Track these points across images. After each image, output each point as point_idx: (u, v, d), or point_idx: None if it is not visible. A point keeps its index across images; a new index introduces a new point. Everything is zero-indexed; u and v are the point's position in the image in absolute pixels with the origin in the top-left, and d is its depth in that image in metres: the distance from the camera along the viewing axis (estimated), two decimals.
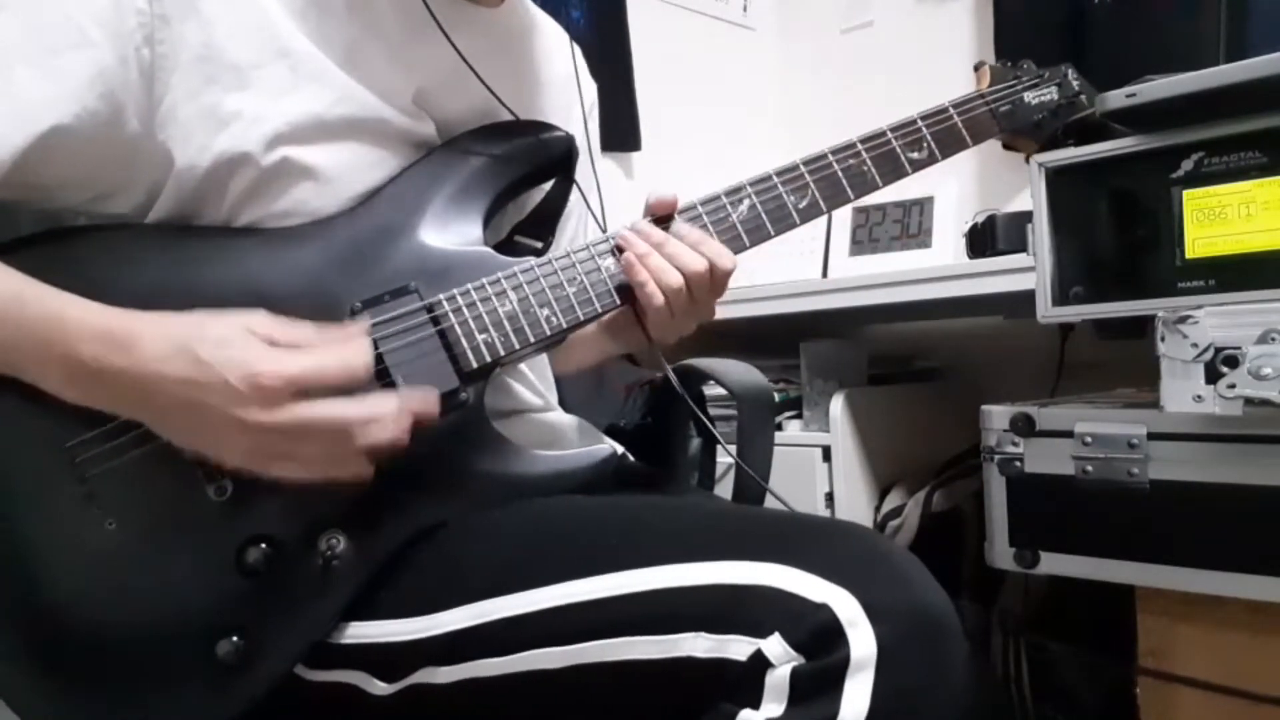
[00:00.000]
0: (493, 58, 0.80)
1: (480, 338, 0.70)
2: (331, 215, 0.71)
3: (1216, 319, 0.82)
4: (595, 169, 0.92)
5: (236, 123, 0.68)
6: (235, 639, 0.65)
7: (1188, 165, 0.87)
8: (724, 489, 1.04)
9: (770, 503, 0.87)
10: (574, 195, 0.85)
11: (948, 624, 0.56)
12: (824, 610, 0.54)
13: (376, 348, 0.67)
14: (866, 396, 1.42)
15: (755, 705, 0.55)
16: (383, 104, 0.73)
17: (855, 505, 1.37)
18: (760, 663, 0.55)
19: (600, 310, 0.74)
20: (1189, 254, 0.87)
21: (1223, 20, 1.38)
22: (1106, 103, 0.88)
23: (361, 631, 0.67)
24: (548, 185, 0.83)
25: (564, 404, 0.95)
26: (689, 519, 0.67)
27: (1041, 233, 0.95)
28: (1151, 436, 0.91)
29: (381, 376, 0.67)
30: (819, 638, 0.54)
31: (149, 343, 0.60)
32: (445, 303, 0.70)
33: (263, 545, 0.65)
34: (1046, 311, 0.95)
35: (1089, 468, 0.95)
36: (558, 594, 0.62)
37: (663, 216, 0.76)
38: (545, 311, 0.72)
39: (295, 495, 0.64)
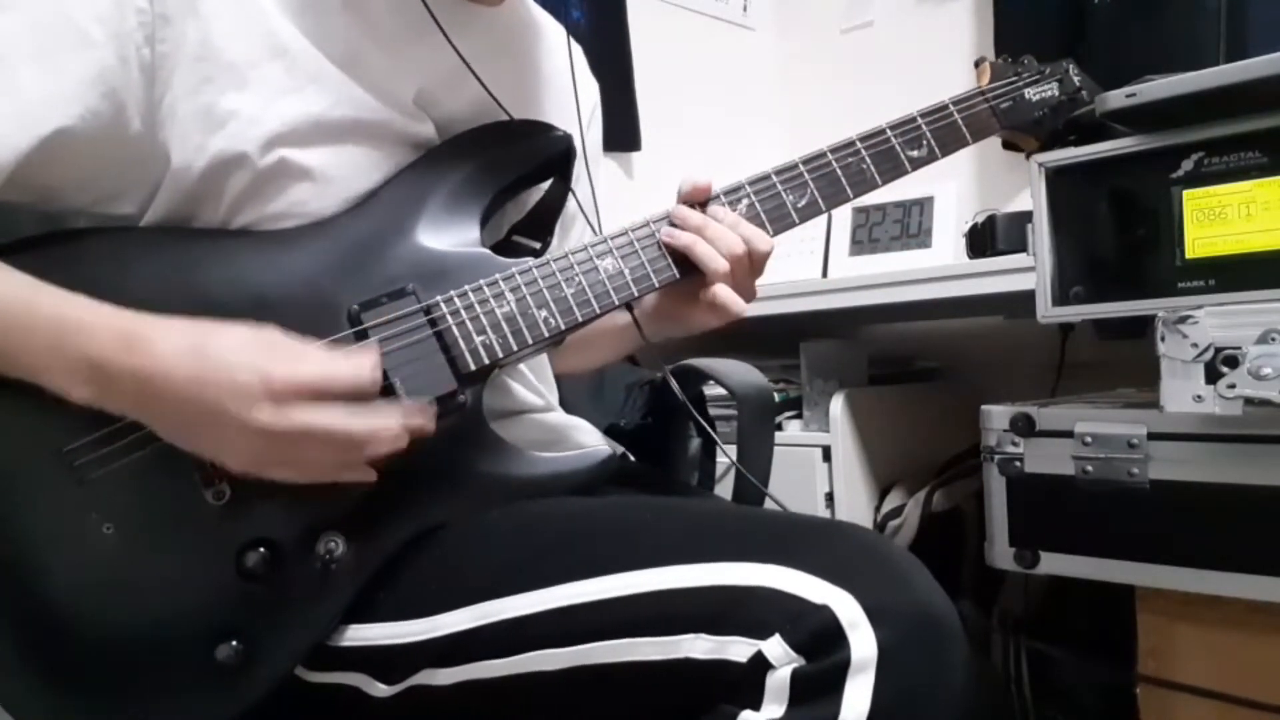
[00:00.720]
0: (493, 57, 0.80)
1: (478, 339, 0.70)
2: (329, 217, 0.71)
3: (1216, 319, 0.82)
4: (590, 171, 0.92)
5: (233, 123, 0.67)
6: (235, 642, 0.64)
7: (1188, 165, 0.87)
8: (724, 489, 1.04)
9: (769, 504, 0.87)
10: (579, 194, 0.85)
11: (948, 625, 0.56)
12: (824, 611, 0.54)
13: None
14: (866, 396, 1.41)
15: (756, 706, 0.55)
16: (382, 105, 0.73)
17: (855, 505, 1.37)
18: (761, 664, 0.55)
19: (599, 311, 0.74)
20: (1189, 254, 0.87)
21: (1223, 20, 1.38)
22: (1106, 103, 0.88)
23: (361, 634, 0.67)
24: (546, 185, 0.83)
25: (564, 404, 0.95)
26: (689, 520, 0.67)
27: (1041, 233, 0.95)
28: (1151, 436, 0.91)
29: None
30: (819, 639, 0.54)
31: (161, 342, 0.60)
32: (443, 304, 0.70)
33: (261, 548, 0.65)
34: (1046, 311, 0.95)
35: (1089, 468, 0.95)
36: (558, 595, 0.62)
37: (699, 202, 0.77)
38: (543, 313, 0.72)
39: (294, 498, 0.64)
